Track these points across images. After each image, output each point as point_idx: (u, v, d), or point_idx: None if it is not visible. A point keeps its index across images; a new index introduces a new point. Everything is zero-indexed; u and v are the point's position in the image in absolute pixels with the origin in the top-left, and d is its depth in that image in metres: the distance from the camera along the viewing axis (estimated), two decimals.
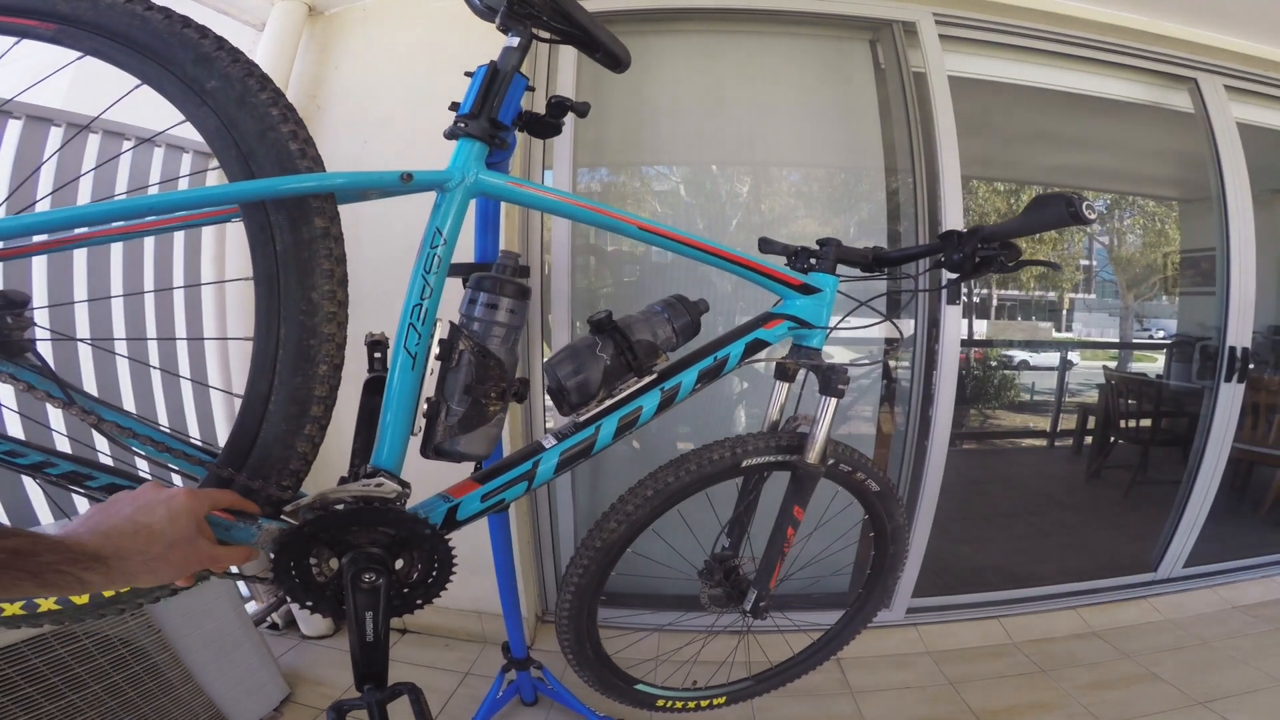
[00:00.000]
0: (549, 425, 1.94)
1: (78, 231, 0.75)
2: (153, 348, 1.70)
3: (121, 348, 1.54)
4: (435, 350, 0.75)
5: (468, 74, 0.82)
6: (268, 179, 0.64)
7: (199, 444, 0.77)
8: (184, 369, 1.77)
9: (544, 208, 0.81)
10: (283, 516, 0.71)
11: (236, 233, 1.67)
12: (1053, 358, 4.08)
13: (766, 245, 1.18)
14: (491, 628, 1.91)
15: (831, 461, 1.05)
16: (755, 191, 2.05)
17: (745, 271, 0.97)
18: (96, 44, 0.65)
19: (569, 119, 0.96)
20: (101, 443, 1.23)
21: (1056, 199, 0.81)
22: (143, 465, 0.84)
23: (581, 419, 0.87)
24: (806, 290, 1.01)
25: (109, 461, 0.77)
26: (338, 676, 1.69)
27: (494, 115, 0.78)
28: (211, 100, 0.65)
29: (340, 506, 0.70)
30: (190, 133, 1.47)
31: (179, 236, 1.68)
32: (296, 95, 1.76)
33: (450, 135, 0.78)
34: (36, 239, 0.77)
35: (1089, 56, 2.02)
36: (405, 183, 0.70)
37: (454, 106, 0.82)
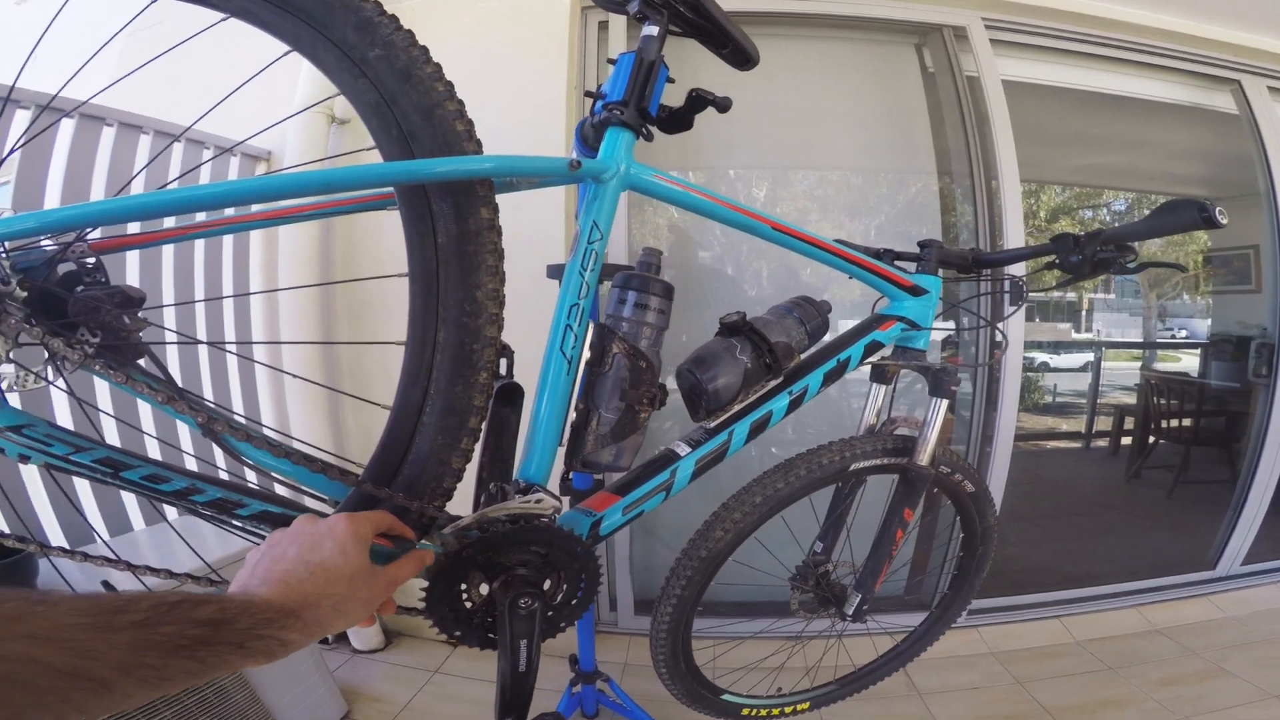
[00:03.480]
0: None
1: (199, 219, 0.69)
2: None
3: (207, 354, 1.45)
4: (587, 354, 0.70)
5: (610, 61, 0.78)
6: (427, 160, 0.58)
7: (335, 458, 0.72)
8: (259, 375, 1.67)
9: (688, 205, 0.76)
10: (433, 539, 0.66)
11: (288, 236, 1.60)
12: (1075, 359, 4.06)
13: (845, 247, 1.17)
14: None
15: None
16: (804, 194, 2.04)
17: (861, 272, 0.95)
18: (246, 3, 0.58)
19: None
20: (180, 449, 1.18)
21: (1187, 204, 0.82)
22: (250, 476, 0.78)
23: (713, 424, 0.84)
24: (916, 292, 1.00)
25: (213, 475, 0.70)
26: (393, 692, 1.63)
27: (645, 105, 0.73)
28: (371, 71, 0.58)
29: (500, 527, 0.65)
30: (223, 132, 1.42)
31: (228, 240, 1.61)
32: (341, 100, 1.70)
33: (601, 125, 0.73)
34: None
35: (1133, 59, 2.03)
36: (574, 170, 0.65)
37: (591, 94, 0.77)
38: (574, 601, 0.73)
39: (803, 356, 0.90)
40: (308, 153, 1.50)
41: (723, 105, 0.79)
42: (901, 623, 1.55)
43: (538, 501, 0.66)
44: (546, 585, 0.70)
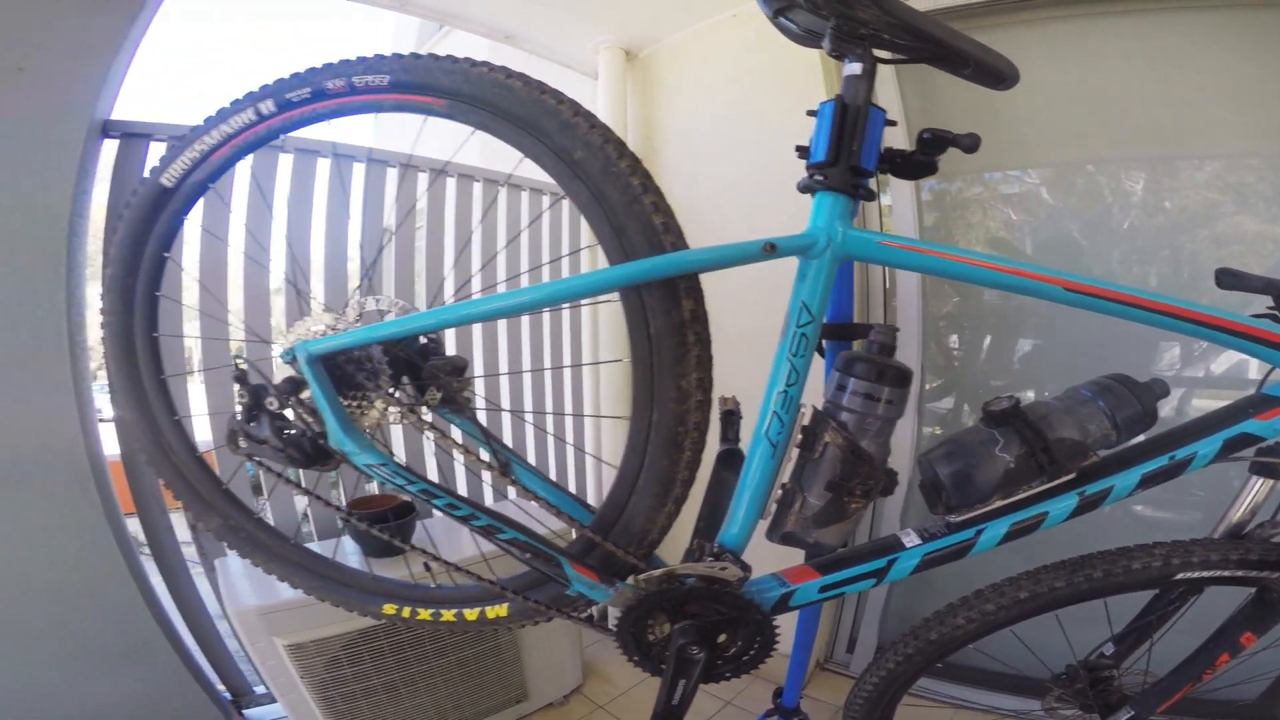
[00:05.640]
0: None
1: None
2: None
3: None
4: (798, 437, 0.68)
5: (810, 113, 0.70)
6: (625, 265, 0.63)
7: (588, 505, 0.86)
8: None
9: (930, 270, 0.66)
10: (634, 580, 0.73)
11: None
12: None
13: (1231, 279, 0.84)
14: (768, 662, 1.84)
15: None
16: (1205, 185, 1.52)
17: (1227, 338, 0.67)
18: (481, 118, 0.66)
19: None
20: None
21: None
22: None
23: (957, 520, 0.71)
24: None
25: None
26: (622, 676, 1.77)
27: (855, 161, 0.65)
28: (581, 171, 0.64)
29: (685, 582, 0.70)
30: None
31: None
32: (636, 139, 1.88)
33: (805, 189, 0.68)
34: None
35: None
36: (769, 254, 0.63)
37: (802, 152, 0.71)
38: (745, 658, 0.75)
39: (1104, 454, 0.69)
40: None
41: (968, 145, 0.64)
42: None
43: (722, 569, 0.69)
44: (722, 638, 0.73)
